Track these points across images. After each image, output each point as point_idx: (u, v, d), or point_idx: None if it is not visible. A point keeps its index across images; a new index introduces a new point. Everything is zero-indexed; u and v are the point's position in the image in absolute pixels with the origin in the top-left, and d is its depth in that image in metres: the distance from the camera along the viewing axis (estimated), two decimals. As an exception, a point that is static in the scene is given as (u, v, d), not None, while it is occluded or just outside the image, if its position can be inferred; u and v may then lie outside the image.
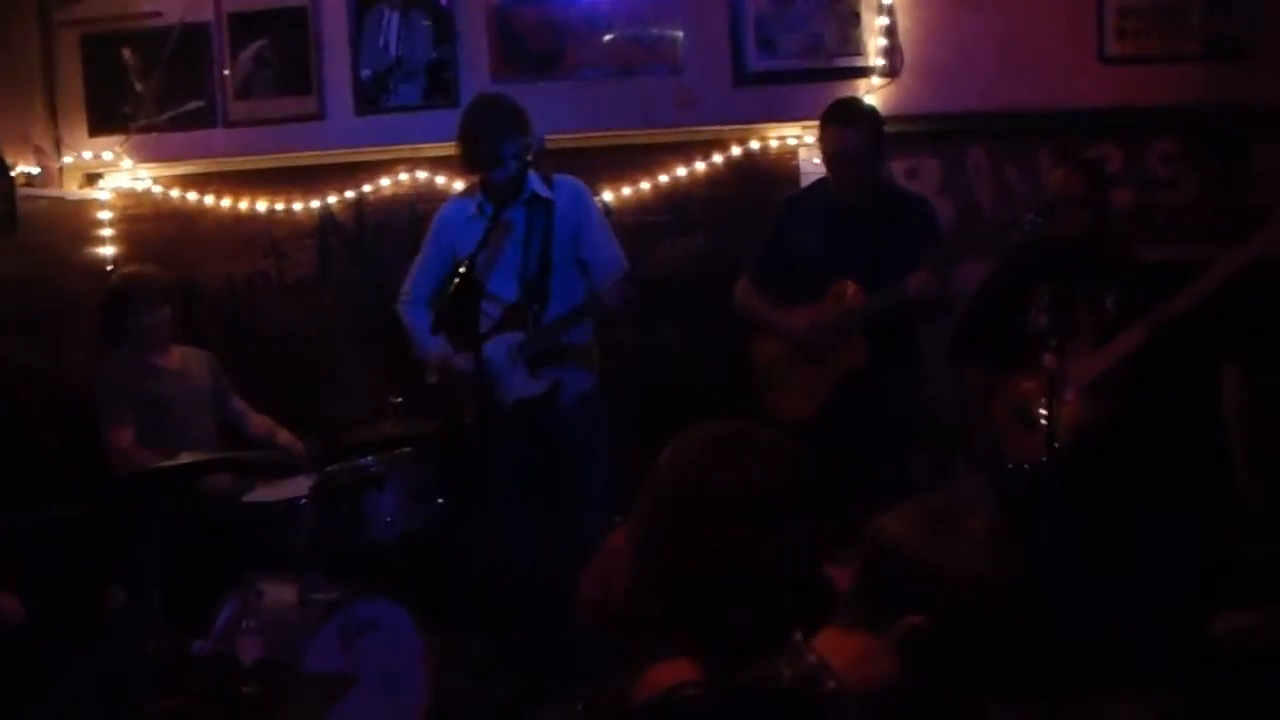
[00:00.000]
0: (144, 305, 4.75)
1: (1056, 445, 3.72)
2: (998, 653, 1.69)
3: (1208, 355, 4.58)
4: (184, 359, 4.90)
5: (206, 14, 5.52)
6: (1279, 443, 4.50)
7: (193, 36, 5.52)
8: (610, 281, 4.40)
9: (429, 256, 4.61)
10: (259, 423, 5.00)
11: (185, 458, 4.32)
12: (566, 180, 4.55)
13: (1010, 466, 4.19)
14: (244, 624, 3.80)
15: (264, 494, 4.57)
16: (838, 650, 1.73)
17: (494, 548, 4.54)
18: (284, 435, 4.95)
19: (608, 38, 5.35)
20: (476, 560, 4.68)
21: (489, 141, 4.27)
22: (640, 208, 5.33)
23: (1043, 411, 3.69)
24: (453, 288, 3.82)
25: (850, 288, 4.30)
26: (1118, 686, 3.82)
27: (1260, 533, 4.47)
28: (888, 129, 4.52)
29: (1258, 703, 3.26)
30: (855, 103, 4.66)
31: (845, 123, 4.36)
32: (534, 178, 4.43)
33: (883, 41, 5.24)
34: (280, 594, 4.15)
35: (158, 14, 5.52)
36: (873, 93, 5.21)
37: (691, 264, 4.25)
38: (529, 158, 4.17)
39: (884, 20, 5.24)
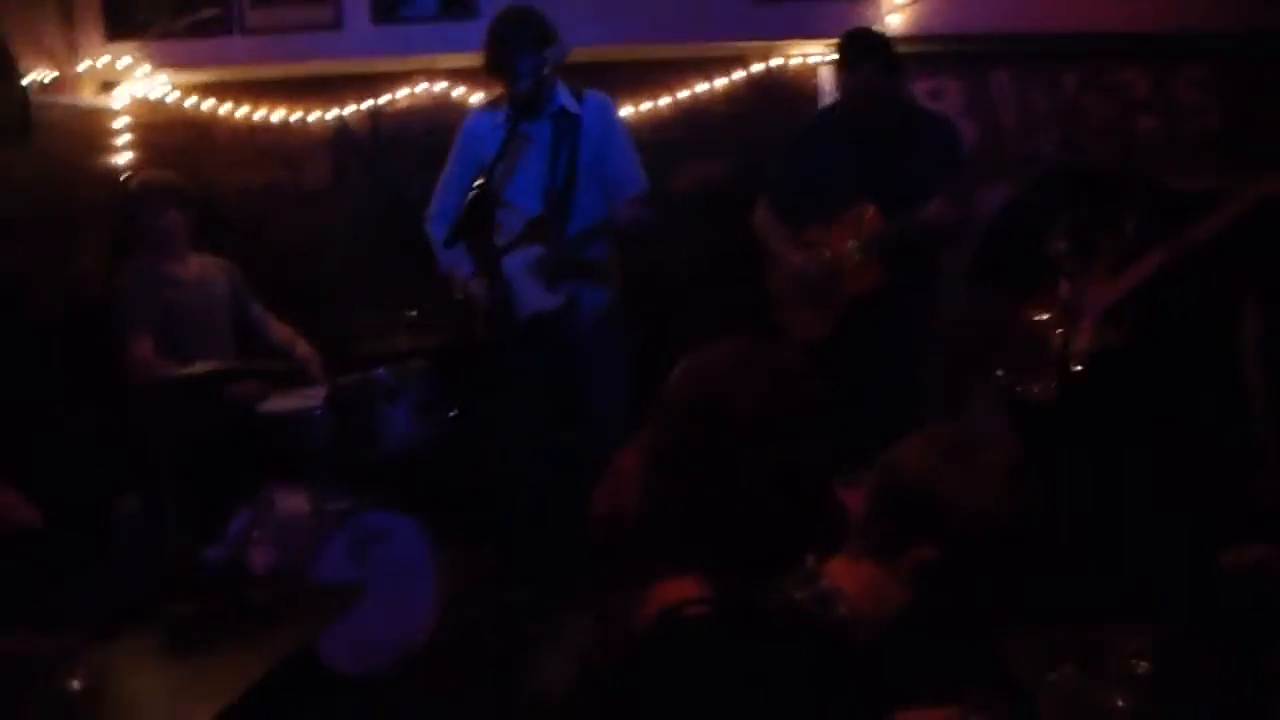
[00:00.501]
0: (159, 207, 4.73)
1: (1072, 372, 3.72)
2: (1007, 585, 1.68)
3: (1227, 285, 4.55)
4: (202, 268, 4.88)
5: (223, -80, 5.44)
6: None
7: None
8: (630, 201, 4.39)
9: (453, 170, 4.57)
10: (279, 330, 5.00)
11: (199, 367, 4.35)
12: (596, 96, 4.51)
13: (1023, 392, 4.17)
14: (255, 533, 3.83)
15: (277, 404, 4.58)
16: (849, 577, 1.73)
17: (508, 461, 4.57)
18: (302, 347, 4.95)
19: (629, -49, 5.25)
20: (489, 473, 4.71)
21: (508, 53, 4.23)
22: (657, 124, 5.27)
23: (1059, 338, 3.68)
24: (467, 201, 3.82)
25: (869, 211, 4.27)
26: (1122, 616, 3.83)
27: (1273, 466, 4.47)
28: (911, 49, 4.49)
29: (1261, 636, 3.27)
30: (864, 38, 4.53)
31: (855, 63, 4.34)
32: (563, 92, 4.41)
33: (907, -41, 5.16)
34: (292, 503, 4.19)
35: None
36: (896, 12, 5.13)
37: (710, 187, 4.23)
38: (546, 71, 4.12)
39: (910, -63, 5.15)
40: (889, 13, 5.11)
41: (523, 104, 4.22)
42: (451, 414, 4.55)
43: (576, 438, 4.50)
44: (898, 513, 1.71)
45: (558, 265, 4.36)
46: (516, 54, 4.20)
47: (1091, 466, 4.01)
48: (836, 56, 4.45)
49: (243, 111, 5.54)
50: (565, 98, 4.42)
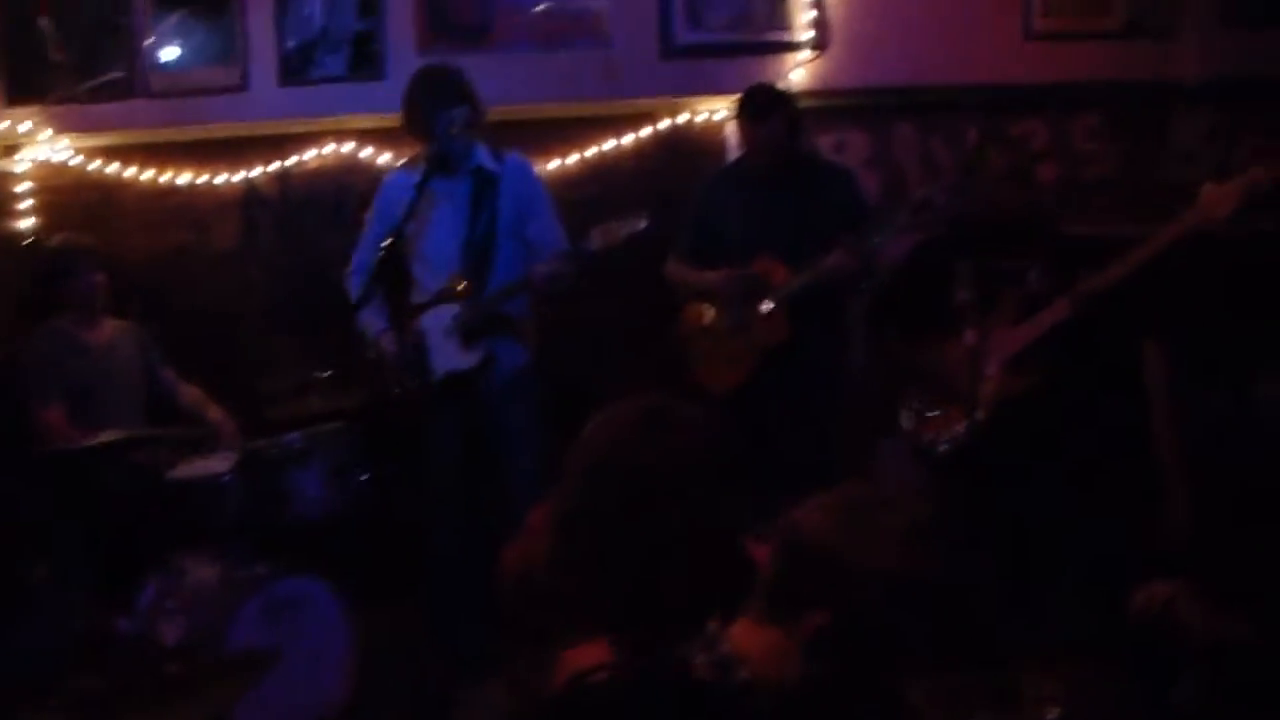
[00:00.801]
0: (83, 269, 4.67)
1: (977, 419, 3.77)
2: (911, 644, 1.66)
3: (1131, 331, 4.65)
4: (114, 332, 4.81)
5: (127, -19, 5.41)
6: (1199, 419, 4.58)
7: (112, 5, 5.39)
8: (549, 257, 4.40)
9: (371, 228, 4.57)
10: (190, 394, 4.93)
11: (108, 435, 4.29)
12: (516, 158, 4.56)
13: (930, 439, 4.22)
14: (166, 603, 3.77)
15: (187, 471, 4.51)
16: (751, 640, 1.71)
17: (424, 521, 4.54)
18: (214, 411, 4.89)
19: (535, 10, 5.31)
20: (403, 535, 4.68)
21: (423, 111, 4.27)
22: (566, 182, 5.30)
23: (963, 385, 3.73)
24: (377, 260, 3.84)
25: (773, 262, 4.33)
26: (1031, 660, 3.88)
27: (1179, 506, 4.55)
28: (814, 103, 4.56)
29: (1168, 674, 3.32)
30: (766, 93, 4.60)
31: (759, 117, 4.41)
32: (482, 150, 4.44)
33: (810, 15, 5.27)
34: (204, 572, 4.13)
35: (75, -19, 5.41)
36: (800, 66, 5.22)
37: (632, 243, 4.24)
38: (455, 130, 4.16)
39: (812, -6, 5.25)
40: (793, 68, 5.20)
41: (436, 162, 4.24)
42: (364, 477, 4.51)
43: (492, 497, 4.49)
44: (797, 576, 1.68)
45: (474, 323, 4.36)
46: (430, 112, 4.24)
47: (999, 511, 4.06)
48: (739, 115, 4.50)
49: (149, 174, 5.48)
50: (484, 157, 4.44)
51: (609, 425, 1.88)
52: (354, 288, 4.53)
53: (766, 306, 4.37)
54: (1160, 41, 5.36)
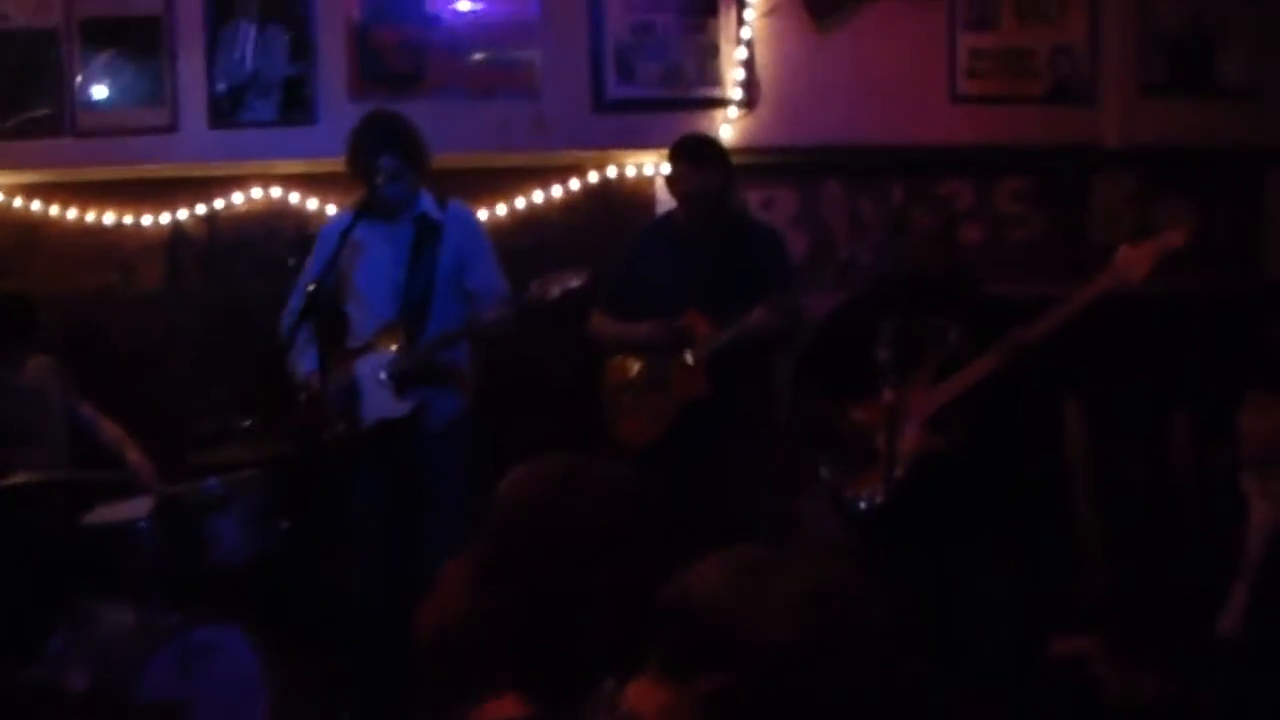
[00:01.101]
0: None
1: (895, 478, 3.80)
2: (810, 706, 1.60)
3: (1051, 389, 4.72)
4: (37, 371, 4.74)
5: (56, 19, 5.34)
6: (1116, 476, 4.66)
7: (41, 42, 5.35)
8: (492, 303, 4.39)
9: (307, 271, 4.53)
10: (110, 431, 4.83)
11: (21, 477, 4.22)
12: (459, 207, 4.56)
13: (850, 497, 4.25)
14: (74, 651, 3.70)
15: (103, 515, 4.44)
16: (646, 701, 1.68)
17: (348, 569, 4.49)
18: (134, 453, 4.81)
19: (467, 60, 5.33)
20: (323, 585, 4.63)
21: (359, 156, 4.28)
22: (496, 232, 5.25)
23: (883, 443, 3.77)
24: (303, 306, 3.83)
25: (698, 318, 4.34)
26: (949, 714, 3.90)
27: (1095, 561, 4.62)
28: (744, 160, 4.59)
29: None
30: (705, 140, 4.70)
31: (698, 162, 4.41)
32: (427, 198, 4.44)
33: (741, 74, 5.33)
34: (117, 619, 4.05)
35: (4, 17, 5.35)
36: (729, 123, 5.28)
37: (568, 299, 4.23)
38: (380, 180, 4.15)
39: (742, 53, 5.32)
40: (722, 124, 5.25)
41: (365, 207, 4.23)
42: (284, 525, 4.46)
43: (415, 547, 4.44)
44: (689, 639, 1.64)
45: (408, 371, 4.35)
46: (365, 157, 4.25)
47: (920, 567, 4.09)
48: (676, 159, 4.49)
49: (74, 213, 5.42)
50: (428, 204, 4.44)
51: (527, 481, 1.88)
52: (284, 330, 4.50)
53: (689, 359, 4.37)
54: (1083, 107, 5.47)
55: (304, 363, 4.35)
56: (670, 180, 4.48)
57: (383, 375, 4.35)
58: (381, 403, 4.35)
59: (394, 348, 4.35)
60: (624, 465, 1.96)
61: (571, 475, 1.86)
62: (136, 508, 4.38)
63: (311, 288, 4.02)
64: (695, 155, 4.44)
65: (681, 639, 1.60)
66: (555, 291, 4.18)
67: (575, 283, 4.17)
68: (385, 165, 4.20)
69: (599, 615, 1.77)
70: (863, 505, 4.21)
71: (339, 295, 4.47)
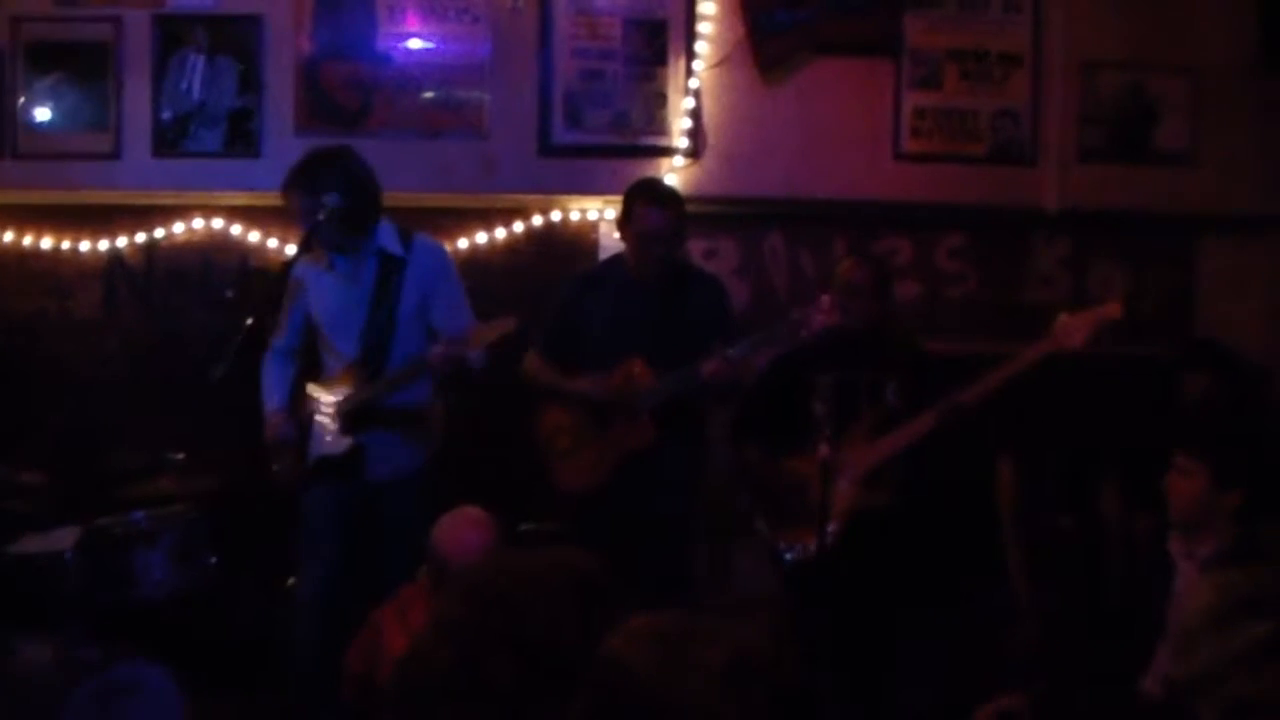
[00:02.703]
0: None
1: (828, 534, 3.82)
2: None
3: (986, 449, 4.77)
4: None
5: (2, 40, 5.31)
6: (1047, 534, 4.70)
7: (-16, 62, 5.33)
8: (446, 340, 4.26)
9: (284, 307, 4.48)
10: None
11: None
12: (425, 240, 4.44)
13: (784, 551, 4.26)
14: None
15: (26, 545, 4.36)
16: None
17: (282, 609, 4.41)
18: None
19: (416, 98, 5.35)
20: (249, 623, 4.57)
21: (300, 194, 4.19)
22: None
23: (817, 498, 3.78)
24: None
25: (638, 365, 4.32)
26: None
27: (1027, 617, 4.65)
28: (688, 209, 4.57)
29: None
30: (663, 183, 4.76)
31: (660, 203, 4.36)
32: (387, 232, 4.31)
33: (687, 123, 5.37)
34: (36, 653, 3.97)
35: (-52, 37, 5.32)
36: (675, 172, 5.32)
37: (504, 344, 4.19)
38: (321, 216, 4.10)
39: (689, 102, 5.37)
40: (669, 172, 5.28)
41: (304, 246, 4.20)
42: (212, 561, 4.40)
43: (360, 591, 4.34)
44: (613, 709, 1.61)
45: (352, 411, 4.28)
46: (293, 194, 4.20)
47: (850, 623, 4.10)
48: (635, 199, 4.40)
49: (10, 236, 5.36)
50: (388, 238, 4.31)
51: (460, 533, 1.88)
52: (265, 368, 4.49)
53: (637, 407, 4.32)
54: (1023, 169, 5.56)
55: (271, 399, 4.37)
56: (625, 221, 4.41)
57: (329, 412, 4.31)
58: (324, 440, 4.32)
59: (348, 387, 4.30)
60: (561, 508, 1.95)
61: (522, 583, 1.85)
62: (62, 539, 4.31)
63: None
64: (655, 195, 4.41)
65: (608, 705, 1.58)
66: (487, 339, 4.13)
67: (506, 329, 4.11)
68: (328, 202, 4.10)
69: (524, 669, 1.77)
70: (788, 556, 4.23)
71: (312, 336, 4.45)
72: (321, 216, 4.08)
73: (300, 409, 4.40)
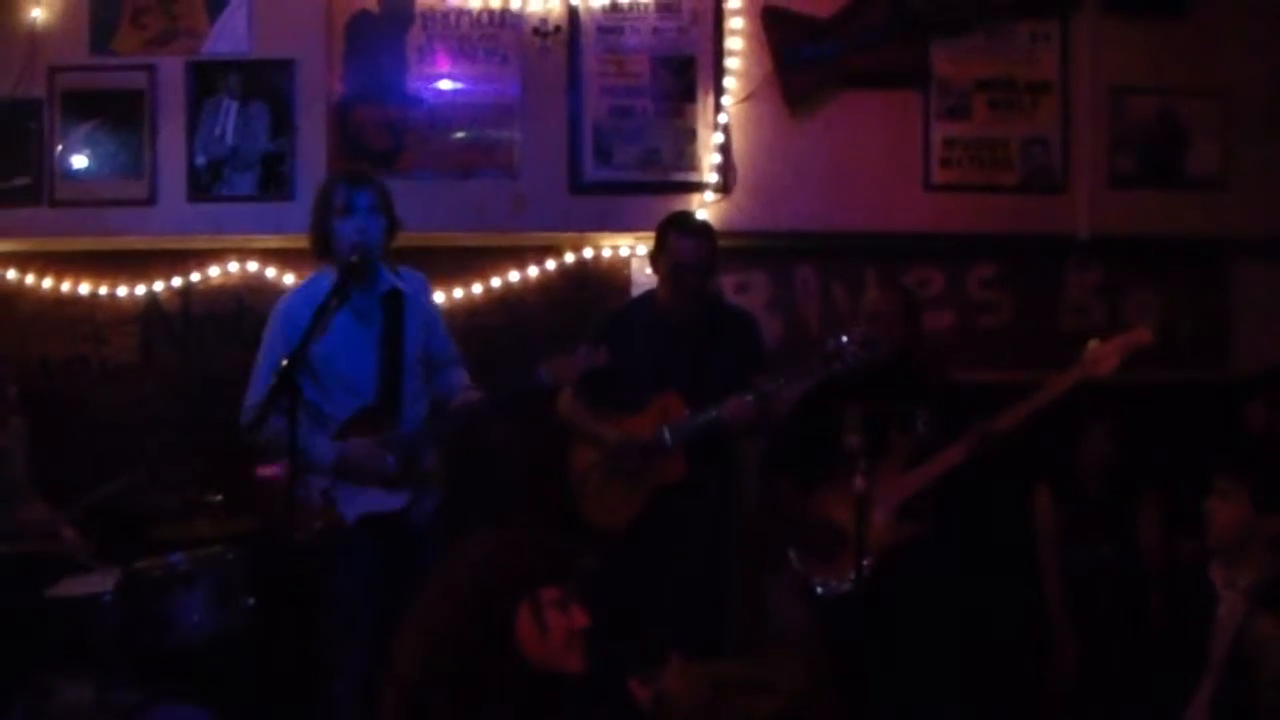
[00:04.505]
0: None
1: (864, 567, 3.80)
2: None
3: (1021, 477, 4.74)
4: (15, 430, 4.73)
5: (39, 89, 5.39)
6: (1087, 565, 4.67)
7: (23, 111, 5.38)
8: (458, 382, 4.30)
9: (268, 352, 4.25)
10: (41, 509, 4.77)
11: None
12: (413, 272, 4.36)
13: (819, 585, 4.24)
14: (29, 729, 3.65)
15: (67, 588, 4.39)
16: None
17: (319, 654, 4.36)
18: (69, 531, 4.74)
19: (447, 139, 5.39)
20: (288, 666, 4.55)
21: (330, 201, 4.11)
22: (472, 310, 5.34)
23: (852, 531, 3.77)
24: (274, 384, 3.62)
25: (673, 400, 4.33)
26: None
27: (1065, 647, 4.61)
28: (719, 244, 4.59)
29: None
30: (696, 216, 4.79)
31: (693, 233, 4.43)
32: (384, 270, 4.19)
33: (717, 158, 5.39)
34: (75, 696, 3.98)
35: (-14, 87, 5.39)
36: (705, 207, 5.33)
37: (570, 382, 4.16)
38: (367, 213, 4.03)
39: (719, 138, 5.39)
40: (699, 208, 5.29)
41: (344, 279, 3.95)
42: (249, 603, 4.40)
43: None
44: None
45: (408, 458, 4.10)
46: (337, 198, 4.09)
47: (887, 657, 4.08)
48: (670, 230, 4.45)
49: (49, 282, 5.42)
50: (386, 272, 4.20)
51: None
52: (249, 414, 4.14)
53: (667, 441, 4.32)
54: (1054, 197, 5.55)
55: (323, 455, 4.09)
56: (658, 253, 4.44)
57: (390, 462, 4.08)
58: (372, 495, 4.10)
59: (378, 436, 4.09)
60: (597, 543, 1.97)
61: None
62: (102, 581, 4.34)
63: (285, 363, 3.61)
64: (688, 226, 4.48)
65: None
66: (573, 374, 4.13)
67: (577, 369, 4.10)
68: (360, 202, 4.03)
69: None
70: (820, 590, 4.21)
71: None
72: (355, 221, 4.03)
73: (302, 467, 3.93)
